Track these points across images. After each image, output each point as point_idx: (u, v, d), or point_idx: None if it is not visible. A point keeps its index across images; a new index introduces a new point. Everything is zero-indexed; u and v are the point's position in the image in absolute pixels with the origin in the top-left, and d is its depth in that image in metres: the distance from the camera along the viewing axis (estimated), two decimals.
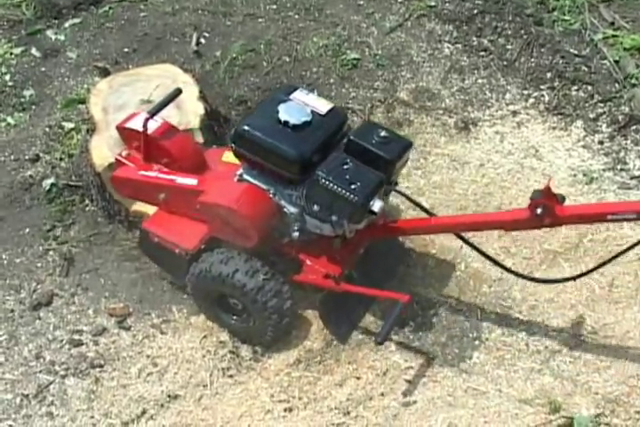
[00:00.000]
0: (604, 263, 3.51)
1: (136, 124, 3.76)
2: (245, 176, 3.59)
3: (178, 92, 3.84)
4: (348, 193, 3.32)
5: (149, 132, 3.70)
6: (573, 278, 3.64)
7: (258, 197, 3.54)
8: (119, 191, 4.05)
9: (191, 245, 3.69)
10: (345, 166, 3.38)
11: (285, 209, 3.56)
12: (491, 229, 3.70)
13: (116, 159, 3.91)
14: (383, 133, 3.46)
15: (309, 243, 3.69)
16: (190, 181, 3.70)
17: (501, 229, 3.61)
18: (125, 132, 3.86)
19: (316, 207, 3.47)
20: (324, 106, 3.49)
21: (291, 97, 3.48)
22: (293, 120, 3.37)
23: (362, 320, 3.91)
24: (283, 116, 3.38)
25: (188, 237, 3.71)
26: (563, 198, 3.32)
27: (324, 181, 3.35)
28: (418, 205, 3.76)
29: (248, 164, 3.57)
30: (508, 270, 3.74)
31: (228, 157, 3.79)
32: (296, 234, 3.61)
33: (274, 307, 3.61)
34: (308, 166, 3.39)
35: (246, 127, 3.43)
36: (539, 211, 3.26)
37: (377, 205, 3.38)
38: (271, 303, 3.60)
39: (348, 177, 3.35)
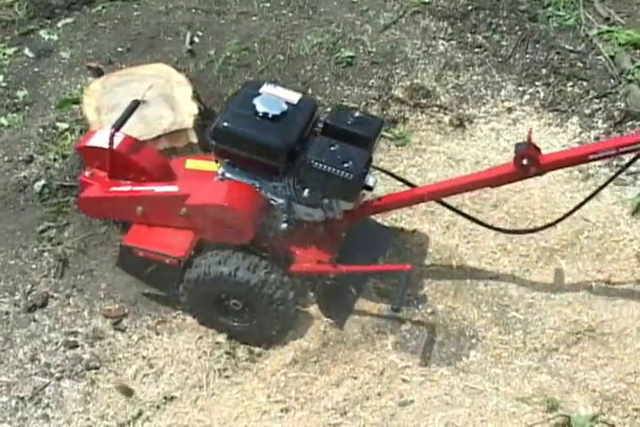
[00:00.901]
0: (582, 203, 3.67)
1: (98, 141, 3.72)
2: (227, 174, 3.62)
3: (136, 104, 3.81)
4: (342, 172, 3.42)
5: (114, 147, 3.67)
6: (554, 224, 3.83)
7: (246, 192, 3.57)
8: (88, 212, 4.04)
9: (182, 253, 3.68)
10: (332, 148, 3.47)
11: (272, 202, 3.61)
12: (478, 188, 3.73)
13: (82, 181, 3.87)
14: (357, 114, 3.58)
15: (295, 234, 3.74)
16: (171, 188, 3.69)
17: (488, 186, 3.66)
18: (87, 152, 3.84)
19: (306, 193, 3.53)
20: (293, 96, 3.57)
21: (260, 91, 3.54)
22: (273, 111, 3.44)
23: (356, 302, 3.94)
24: (261, 108, 3.45)
25: (176, 246, 3.70)
26: (539, 149, 3.47)
27: (317, 163, 3.43)
28: (397, 177, 3.96)
29: (230, 160, 3.58)
30: (487, 225, 3.91)
31: (192, 164, 3.84)
32: (284, 226, 3.66)
33: (280, 298, 3.63)
34: (292, 155, 3.47)
35: (226, 123, 3.47)
36: (525, 162, 3.38)
37: (371, 180, 3.54)
38: (277, 295, 3.62)
39: (339, 157, 3.44)
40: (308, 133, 3.57)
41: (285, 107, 3.47)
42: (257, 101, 3.46)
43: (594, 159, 3.39)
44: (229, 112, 3.54)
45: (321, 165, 3.42)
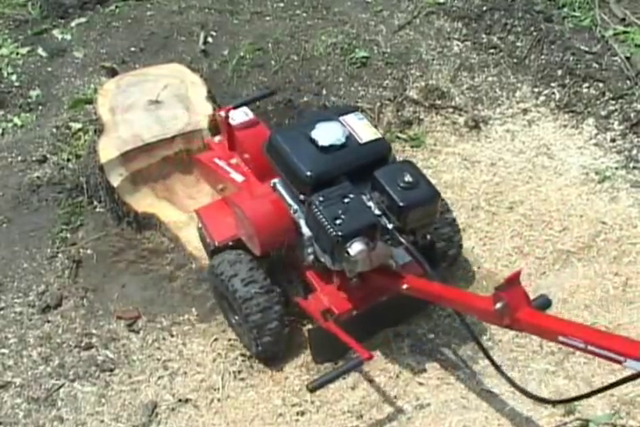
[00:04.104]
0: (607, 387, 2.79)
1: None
2: (278, 186, 3.52)
3: (270, 93, 4.00)
4: (329, 227, 3.10)
5: (233, 123, 3.76)
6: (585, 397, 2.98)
7: (275, 210, 3.45)
8: (199, 172, 4.16)
9: (219, 238, 3.69)
10: (345, 199, 3.16)
11: (301, 230, 3.43)
12: (467, 312, 3.29)
13: (207, 143, 4.05)
14: (407, 178, 3.16)
15: (328, 271, 3.51)
16: (238, 177, 3.73)
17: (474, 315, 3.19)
18: (220, 120, 3.94)
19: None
20: (367, 135, 3.34)
21: (340, 118, 3.37)
22: (322, 141, 3.27)
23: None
24: (314, 134, 3.29)
25: (222, 230, 3.70)
26: (547, 303, 2.96)
27: (314, 207, 3.17)
28: (414, 257, 3.23)
29: (276, 173, 3.48)
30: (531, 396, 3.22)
31: None
32: (310, 258, 3.47)
33: (255, 322, 3.50)
34: (321, 190, 3.23)
35: (278, 136, 3.38)
36: (498, 306, 2.76)
37: (355, 249, 3.11)
38: (253, 318, 3.50)
39: (339, 211, 3.12)
40: (362, 177, 3.25)
41: (341, 141, 3.26)
42: (318, 126, 3.30)
43: (562, 342, 2.62)
44: (291, 127, 3.49)
45: (317, 210, 3.15)
